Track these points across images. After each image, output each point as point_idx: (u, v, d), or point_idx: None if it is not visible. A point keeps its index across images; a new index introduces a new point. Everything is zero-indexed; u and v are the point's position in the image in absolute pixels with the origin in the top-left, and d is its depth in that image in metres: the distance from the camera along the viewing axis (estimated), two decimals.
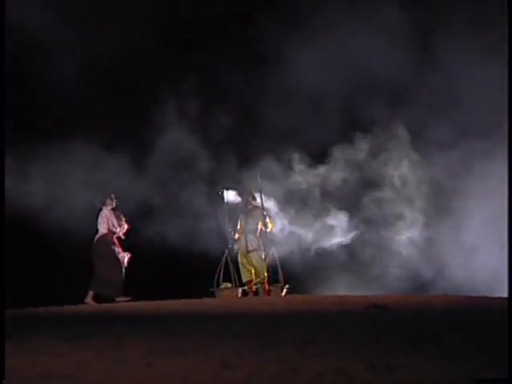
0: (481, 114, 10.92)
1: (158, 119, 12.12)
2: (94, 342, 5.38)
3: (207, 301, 10.49)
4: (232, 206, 11.77)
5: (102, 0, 11.11)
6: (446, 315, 7.02)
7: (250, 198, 11.74)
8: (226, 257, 11.62)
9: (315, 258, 12.36)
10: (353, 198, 12.36)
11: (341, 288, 11.62)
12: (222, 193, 11.78)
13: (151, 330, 6.22)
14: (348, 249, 12.49)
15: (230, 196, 11.79)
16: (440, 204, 12.05)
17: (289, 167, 12.56)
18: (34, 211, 11.90)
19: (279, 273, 11.48)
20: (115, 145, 12.08)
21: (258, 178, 11.73)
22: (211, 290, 11.55)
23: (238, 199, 11.77)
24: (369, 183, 12.33)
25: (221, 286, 11.61)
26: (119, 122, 12.01)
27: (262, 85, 11.59)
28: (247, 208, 11.74)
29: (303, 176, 12.50)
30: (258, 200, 11.66)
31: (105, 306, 10.23)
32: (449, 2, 10.49)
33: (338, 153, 12.19)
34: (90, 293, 11.04)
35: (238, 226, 11.71)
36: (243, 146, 12.31)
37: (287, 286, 11.34)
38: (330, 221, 12.49)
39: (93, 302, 10.90)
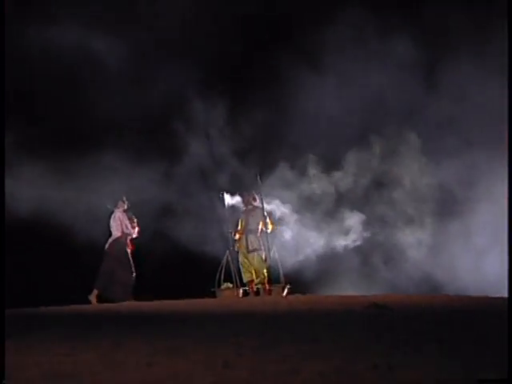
0: (487, 125, 11.26)
1: (184, 132, 12.57)
2: (95, 342, 5.38)
3: (208, 301, 10.49)
4: (233, 209, 11.85)
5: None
6: (447, 315, 7.02)
7: (251, 199, 11.76)
8: (227, 257, 11.64)
9: (327, 261, 12.63)
10: (364, 203, 12.78)
11: (351, 289, 11.74)
12: (223, 195, 11.80)
13: (152, 330, 6.22)
14: (359, 251, 12.73)
15: (231, 199, 11.83)
16: (450, 208, 12.35)
17: (303, 174, 12.87)
18: (67, 220, 12.09)
19: (280, 273, 11.49)
20: (145, 155, 12.61)
21: (258, 178, 11.75)
22: (212, 290, 11.57)
23: (239, 202, 11.81)
24: (380, 188, 12.70)
25: (222, 286, 11.62)
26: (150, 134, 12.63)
27: (283, 105, 12.44)
28: (248, 208, 11.76)
29: (317, 182, 12.73)
30: (259, 200, 11.69)
31: (105, 305, 10.23)
32: (452, 36, 11.23)
33: (352, 159, 12.47)
34: (95, 291, 11.08)
35: (239, 227, 11.73)
36: (263, 156, 12.83)
37: (288, 286, 11.34)
38: (343, 224, 12.71)
39: (95, 301, 10.92)
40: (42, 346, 5.27)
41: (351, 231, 12.72)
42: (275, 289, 11.33)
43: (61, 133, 12.52)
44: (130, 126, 12.59)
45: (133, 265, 11.37)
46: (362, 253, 12.83)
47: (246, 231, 11.65)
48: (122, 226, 11.42)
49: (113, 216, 11.55)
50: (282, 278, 11.47)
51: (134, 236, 11.55)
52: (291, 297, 10.81)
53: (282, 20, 12.06)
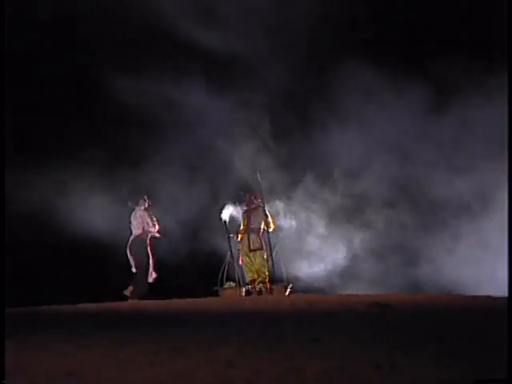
0: (493, 145, 12.10)
1: (229, 151, 13.07)
2: (98, 341, 5.39)
3: (211, 300, 10.49)
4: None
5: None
6: (449, 314, 7.01)
7: (253, 198, 11.75)
8: (230, 256, 11.67)
9: (353, 267, 13.14)
10: (388, 210, 13.30)
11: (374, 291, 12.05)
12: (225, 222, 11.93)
13: (154, 329, 6.23)
14: (384, 256, 13.17)
15: (231, 211, 11.92)
16: (468, 215, 12.91)
17: (329, 186, 13.33)
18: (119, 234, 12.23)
19: (283, 272, 11.49)
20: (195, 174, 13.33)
21: (258, 176, 11.74)
22: (215, 288, 11.57)
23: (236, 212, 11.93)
24: (402, 196, 13.36)
25: (225, 285, 11.62)
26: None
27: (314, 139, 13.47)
28: (250, 208, 11.75)
29: (341, 193, 13.30)
30: (260, 199, 11.71)
31: (108, 304, 10.23)
32: (456, 80, 12.55)
33: (375, 172, 13.30)
34: (130, 288, 11.20)
35: (241, 226, 11.72)
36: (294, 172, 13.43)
37: (291, 285, 11.34)
38: (366, 232, 13.17)
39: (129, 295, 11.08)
40: (47, 345, 5.28)
41: (374, 237, 13.12)
42: (277, 288, 11.32)
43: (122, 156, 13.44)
44: (182, 148, 13.35)
45: (151, 264, 11.47)
46: (386, 257, 13.17)
47: (248, 230, 11.64)
48: (143, 223, 11.52)
49: (133, 214, 11.63)
50: (285, 278, 11.48)
51: (156, 234, 11.63)
52: (294, 296, 10.82)
53: (314, 74, 13.54)
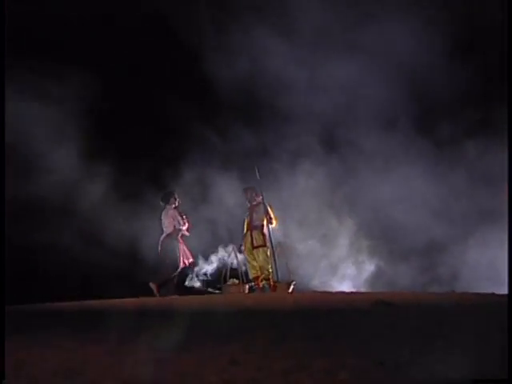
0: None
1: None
2: (102, 338, 5.38)
3: (214, 297, 10.49)
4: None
5: None
6: (453, 312, 7.00)
7: (254, 195, 11.75)
8: (234, 253, 11.69)
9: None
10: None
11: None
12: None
13: (158, 326, 6.22)
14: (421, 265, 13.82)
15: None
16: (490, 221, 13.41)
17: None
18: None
19: (287, 269, 11.50)
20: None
21: (257, 173, 11.73)
22: (218, 286, 11.58)
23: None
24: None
25: (228, 283, 11.63)
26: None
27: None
28: (252, 205, 11.75)
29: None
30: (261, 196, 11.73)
31: (111, 301, 10.23)
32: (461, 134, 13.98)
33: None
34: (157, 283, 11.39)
35: (245, 224, 11.73)
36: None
37: (294, 283, 11.34)
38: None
39: (156, 290, 11.26)
40: (51, 342, 5.28)
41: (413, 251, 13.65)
42: (281, 285, 11.33)
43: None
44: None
45: (184, 259, 11.55)
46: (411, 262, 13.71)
47: (250, 228, 11.64)
48: (174, 221, 11.58)
49: (164, 212, 11.75)
50: (289, 275, 11.49)
51: (185, 232, 11.67)
52: (297, 293, 10.82)
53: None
